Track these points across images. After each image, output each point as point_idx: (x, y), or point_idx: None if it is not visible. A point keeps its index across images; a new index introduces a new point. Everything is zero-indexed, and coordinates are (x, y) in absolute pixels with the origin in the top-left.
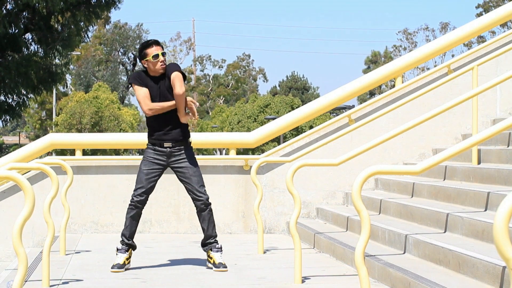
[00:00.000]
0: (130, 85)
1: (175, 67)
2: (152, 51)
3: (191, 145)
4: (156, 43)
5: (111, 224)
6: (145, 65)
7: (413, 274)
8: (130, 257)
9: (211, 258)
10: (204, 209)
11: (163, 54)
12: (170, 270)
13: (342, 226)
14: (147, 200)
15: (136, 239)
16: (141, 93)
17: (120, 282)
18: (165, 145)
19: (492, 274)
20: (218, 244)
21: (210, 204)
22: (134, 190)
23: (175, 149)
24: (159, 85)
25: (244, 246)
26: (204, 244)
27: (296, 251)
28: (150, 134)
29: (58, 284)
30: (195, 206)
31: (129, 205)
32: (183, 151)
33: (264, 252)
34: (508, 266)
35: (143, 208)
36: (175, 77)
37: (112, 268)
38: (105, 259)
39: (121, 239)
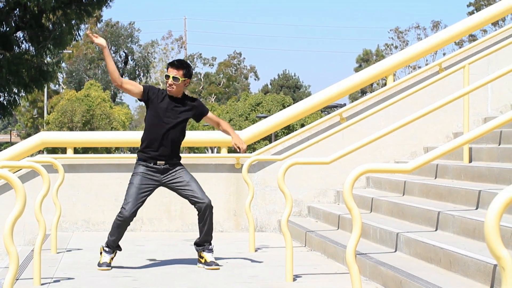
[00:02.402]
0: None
1: (200, 102)
2: (169, 70)
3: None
4: (172, 65)
5: (102, 223)
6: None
7: (405, 272)
8: (115, 256)
9: (202, 257)
10: (207, 211)
11: (174, 78)
12: (161, 269)
13: (333, 225)
14: (136, 214)
15: (127, 238)
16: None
17: (111, 280)
18: (158, 163)
19: (483, 272)
20: (211, 245)
21: (212, 207)
22: (124, 205)
23: (169, 166)
24: (174, 105)
25: (236, 245)
26: (198, 245)
27: (288, 249)
28: (143, 151)
29: (49, 283)
30: (198, 209)
31: (118, 216)
32: (176, 167)
33: (256, 251)
34: (499, 264)
35: (131, 221)
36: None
37: (99, 266)
38: (96, 258)
39: (106, 243)
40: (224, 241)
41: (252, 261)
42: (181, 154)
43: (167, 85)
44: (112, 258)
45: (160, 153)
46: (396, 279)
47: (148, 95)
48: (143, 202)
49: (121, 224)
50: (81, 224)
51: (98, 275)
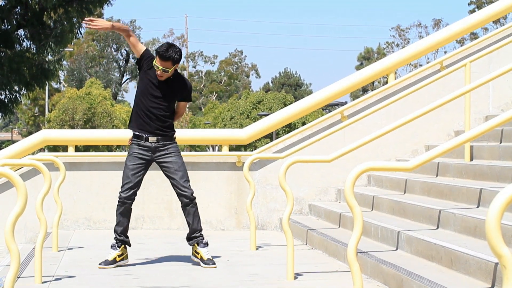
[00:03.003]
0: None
1: (190, 89)
2: (158, 61)
3: (176, 140)
4: (161, 57)
5: (103, 221)
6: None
7: (406, 271)
8: (123, 253)
9: (198, 253)
10: (188, 203)
11: (163, 70)
12: (162, 267)
13: (334, 223)
14: (135, 195)
15: (129, 235)
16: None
17: (112, 278)
18: (150, 140)
19: (485, 270)
20: (204, 239)
21: (194, 198)
22: (121, 187)
23: (159, 144)
24: (167, 84)
25: (237, 243)
26: (189, 238)
27: (289, 248)
28: (134, 126)
29: (50, 281)
30: (180, 201)
31: (118, 201)
32: (168, 146)
33: (257, 249)
34: (500, 263)
35: (131, 203)
36: (183, 107)
37: (99, 264)
38: (97, 256)
39: (114, 235)
40: (225, 239)
41: (253, 259)
42: (182, 153)
43: (158, 74)
44: (118, 255)
45: (151, 127)
46: (397, 277)
47: (141, 63)
48: (138, 183)
49: (122, 210)
50: (82, 222)
51: (99, 273)
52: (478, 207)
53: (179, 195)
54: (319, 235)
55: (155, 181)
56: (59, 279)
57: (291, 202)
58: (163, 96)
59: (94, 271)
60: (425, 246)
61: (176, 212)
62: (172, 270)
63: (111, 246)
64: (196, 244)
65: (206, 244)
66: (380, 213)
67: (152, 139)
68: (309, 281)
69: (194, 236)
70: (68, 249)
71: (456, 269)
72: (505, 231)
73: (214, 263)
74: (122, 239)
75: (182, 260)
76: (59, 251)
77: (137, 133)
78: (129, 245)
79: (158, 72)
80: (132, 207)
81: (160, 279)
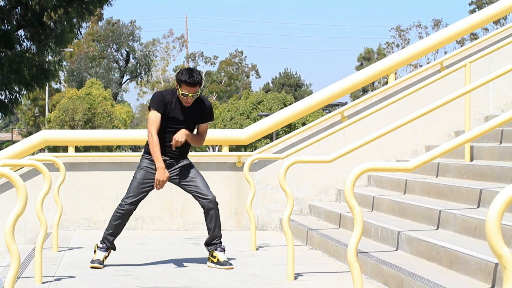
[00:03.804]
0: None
1: (210, 109)
2: (186, 89)
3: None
4: (189, 84)
5: (103, 221)
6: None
7: (406, 271)
8: (109, 255)
9: (214, 257)
10: (212, 207)
11: (193, 96)
12: (162, 267)
13: (334, 223)
14: (135, 208)
15: (129, 236)
16: (152, 116)
17: (112, 278)
18: (164, 158)
19: (485, 271)
20: (222, 244)
21: (218, 203)
22: (125, 198)
23: (171, 160)
24: (187, 109)
25: (237, 243)
26: (208, 244)
27: (289, 248)
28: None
29: (50, 281)
30: (202, 206)
31: (117, 211)
32: (180, 161)
33: (257, 249)
34: (500, 263)
35: (130, 216)
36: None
37: (92, 263)
38: None
39: (102, 239)
40: (226, 239)
41: (253, 259)
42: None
43: (185, 103)
44: (105, 257)
45: (167, 151)
46: (397, 277)
47: (163, 111)
48: (144, 196)
49: (120, 218)
50: (82, 223)
51: (99, 273)
52: (478, 207)
53: (201, 199)
54: (319, 235)
55: None
56: (59, 279)
57: (291, 202)
58: (185, 121)
59: (94, 272)
60: (425, 246)
61: (176, 212)
62: (172, 271)
63: (99, 248)
64: (214, 250)
65: (224, 250)
66: (380, 213)
67: (166, 158)
68: (309, 281)
69: (214, 242)
70: (68, 249)
71: (456, 269)
72: (505, 231)
73: (231, 264)
74: (111, 246)
75: (182, 260)
76: (59, 251)
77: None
78: (114, 249)
79: (189, 100)
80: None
81: (160, 279)
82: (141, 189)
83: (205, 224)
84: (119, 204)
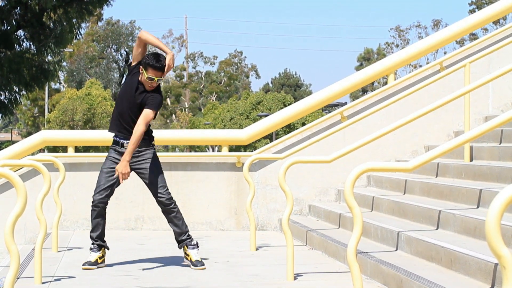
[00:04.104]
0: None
1: (156, 102)
2: (153, 72)
3: (154, 145)
4: (155, 67)
5: None
6: (140, 71)
7: (405, 271)
8: (103, 256)
9: (188, 255)
10: (165, 209)
11: (158, 81)
12: (162, 267)
13: (334, 223)
14: (108, 198)
15: (129, 236)
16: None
17: (112, 279)
18: (125, 146)
19: (484, 271)
20: (193, 240)
21: (171, 203)
22: (94, 190)
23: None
24: (138, 91)
25: (237, 243)
26: (178, 242)
27: (289, 248)
28: (114, 128)
29: (50, 281)
30: (159, 206)
31: (91, 206)
32: (142, 153)
33: (257, 249)
34: (500, 263)
35: (105, 208)
36: (145, 116)
37: (83, 265)
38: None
39: (91, 240)
40: (225, 239)
41: (253, 259)
42: (180, 153)
43: (149, 86)
44: (100, 258)
45: (126, 135)
46: (397, 277)
47: (134, 67)
48: (110, 187)
49: (95, 215)
50: (82, 223)
51: (98, 273)
52: (477, 207)
53: (156, 201)
54: (319, 235)
55: None
56: (59, 279)
57: (291, 202)
58: (140, 104)
59: (94, 272)
60: (425, 246)
61: None
62: (171, 271)
63: (91, 249)
64: (185, 247)
65: (196, 245)
66: (380, 213)
67: (127, 145)
68: (309, 281)
69: (182, 239)
70: (68, 249)
71: (456, 269)
72: (505, 231)
73: (203, 264)
74: (99, 244)
75: (181, 260)
76: (59, 251)
77: (116, 138)
78: (108, 249)
79: (153, 84)
80: (106, 211)
81: (159, 279)
82: (107, 178)
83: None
84: (92, 200)
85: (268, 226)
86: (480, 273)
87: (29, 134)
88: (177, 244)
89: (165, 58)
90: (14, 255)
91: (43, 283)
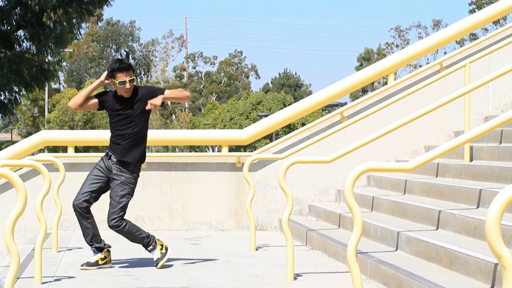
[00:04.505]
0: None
1: (153, 88)
2: (121, 76)
3: (139, 169)
4: (127, 68)
5: (103, 221)
6: (112, 83)
7: (405, 271)
8: (106, 257)
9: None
10: (116, 231)
11: (131, 81)
12: (162, 267)
13: (334, 223)
14: (88, 205)
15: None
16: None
17: (112, 279)
18: (111, 158)
19: (484, 271)
20: (150, 243)
21: (116, 226)
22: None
23: (116, 166)
24: (126, 106)
25: (237, 243)
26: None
27: (289, 248)
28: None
29: (50, 281)
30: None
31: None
32: (121, 173)
33: (257, 249)
34: (500, 263)
35: (86, 212)
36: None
37: (81, 265)
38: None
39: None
40: (225, 239)
41: (253, 259)
42: (180, 153)
43: (125, 90)
44: (101, 259)
45: (114, 149)
46: (397, 278)
47: (104, 105)
48: (91, 193)
49: (78, 218)
50: None
51: (98, 274)
52: (477, 207)
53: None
54: (318, 235)
55: (154, 181)
56: (59, 279)
57: (291, 202)
58: (130, 116)
59: (94, 272)
60: (425, 246)
61: (175, 213)
62: (171, 271)
63: (92, 250)
64: (148, 251)
65: (154, 248)
66: (379, 213)
67: (113, 159)
68: (308, 281)
69: (144, 247)
70: (68, 249)
71: (455, 269)
72: (505, 231)
73: (157, 264)
74: (96, 247)
75: (181, 260)
76: (58, 251)
77: (108, 147)
78: (110, 247)
79: (127, 86)
80: (89, 215)
81: (159, 279)
82: (88, 183)
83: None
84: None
85: (268, 226)
86: (480, 273)
87: (29, 134)
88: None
89: (128, 59)
90: (14, 255)
91: (43, 283)
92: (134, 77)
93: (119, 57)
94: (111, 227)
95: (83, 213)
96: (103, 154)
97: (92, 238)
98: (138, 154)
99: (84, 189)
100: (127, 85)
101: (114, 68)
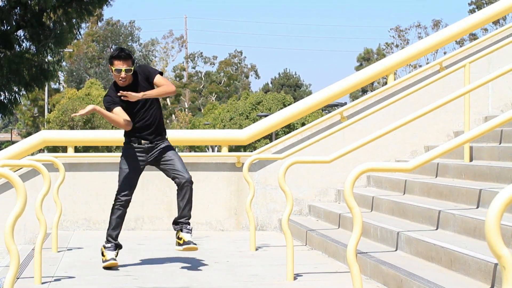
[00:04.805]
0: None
1: (147, 67)
2: (118, 63)
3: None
4: (125, 57)
5: (103, 221)
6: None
7: (405, 271)
8: (117, 255)
9: (180, 238)
10: (186, 185)
11: (127, 71)
12: (162, 267)
13: (334, 223)
14: (131, 199)
15: (128, 236)
16: (118, 112)
17: (112, 279)
18: (143, 142)
19: (484, 271)
20: (189, 225)
21: (192, 183)
22: (119, 190)
23: (157, 141)
24: (131, 89)
25: (236, 243)
26: (176, 223)
27: (288, 248)
28: (129, 134)
29: (50, 281)
30: (177, 184)
31: (115, 205)
32: (159, 143)
33: (256, 249)
34: (500, 263)
35: (127, 207)
36: (161, 80)
37: (104, 262)
38: (97, 256)
39: (106, 238)
40: (225, 239)
41: (253, 260)
42: (180, 153)
43: (120, 78)
44: (116, 255)
45: (142, 135)
46: (397, 278)
47: (122, 104)
48: (135, 185)
49: (120, 213)
50: (81, 223)
51: (99, 273)
52: (477, 207)
53: (176, 177)
54: (318, 235)
55: (154, 181)
56: (59, 279)
57: (291, 202)
58: (141, 105)
59: (94, 272)
60: (425, 246)
61: (175, 213)
62: (171, 271)
63: (106, 248)
64: (180, 231)
65: (190, 231)
66: (379, 213)
67: (145, 141)
68: (308, 281)
69: (181, 221)
70: (68, 249)
71: (455, 269)
72: (505, 231)
73: (195, 244)
74: (117, 243)
75: (181, 260)
76: (58, 251)
77: (129, 138)
78: (121, 248)
79: (123, 75)
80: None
81: (159, 279)
82: (130, 177)
83: (177, 202)
84: (116, 199)
85: (267, 226)
86: (480, 273)
87: (29, 134)
88: (173, 224)
89: (128, 49)
90: (14, 255)
91: (43, 283)
92: (132, 68)
93: (119, 47)
94: (188, 182)
95: (127, 208)
96: (103, 154)
97: (118, 234)
98: (163, 126)
99: (128, 184)
100: (122, 74)
101: (113, 55)
